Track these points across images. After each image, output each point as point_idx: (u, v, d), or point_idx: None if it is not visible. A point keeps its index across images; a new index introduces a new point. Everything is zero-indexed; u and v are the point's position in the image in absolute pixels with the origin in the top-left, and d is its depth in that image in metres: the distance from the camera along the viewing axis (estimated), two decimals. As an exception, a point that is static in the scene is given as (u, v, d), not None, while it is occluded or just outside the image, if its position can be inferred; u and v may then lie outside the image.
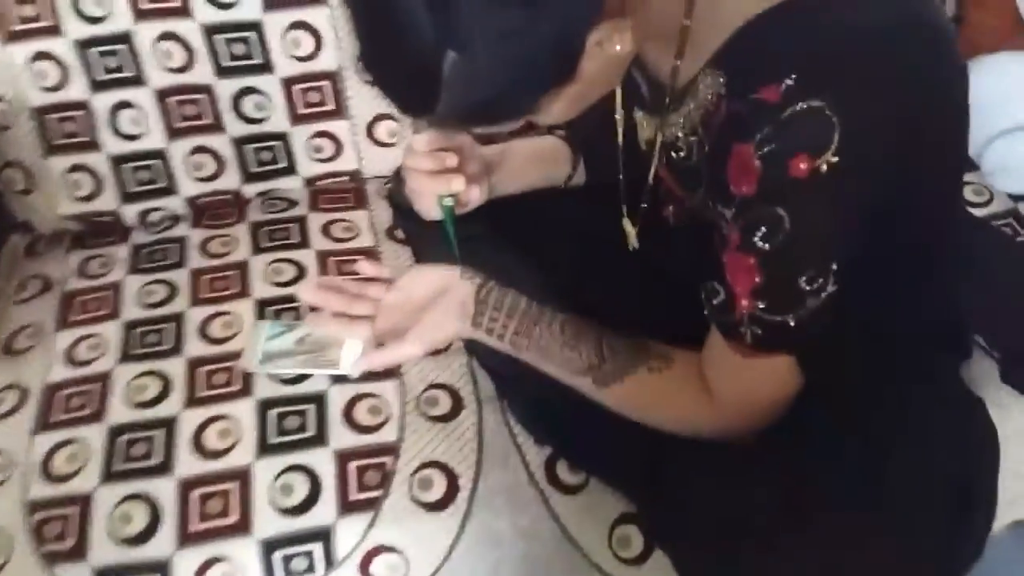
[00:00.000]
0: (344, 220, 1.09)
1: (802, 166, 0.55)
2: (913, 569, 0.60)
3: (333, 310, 0.74)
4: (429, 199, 0.78)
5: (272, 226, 1.08)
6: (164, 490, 0.79)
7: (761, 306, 0.61)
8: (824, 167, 0.54)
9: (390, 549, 0.78)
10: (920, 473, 0.61)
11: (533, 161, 0.89)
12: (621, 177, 0.80)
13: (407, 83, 0.54)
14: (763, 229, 0.58)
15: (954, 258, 0.73)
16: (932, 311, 0.72)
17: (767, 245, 0.58)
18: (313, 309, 0.77)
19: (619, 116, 0.77)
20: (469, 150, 0.80)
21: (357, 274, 0.77)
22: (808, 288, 0.59)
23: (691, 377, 0.69)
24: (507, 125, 0.61)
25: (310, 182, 1.14)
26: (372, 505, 0.80)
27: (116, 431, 0.84)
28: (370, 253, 1.04)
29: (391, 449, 0.83)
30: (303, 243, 1.05)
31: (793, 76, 0.54)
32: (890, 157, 0.56)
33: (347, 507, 0.79)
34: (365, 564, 0.78)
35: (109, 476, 0.80)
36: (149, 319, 0.96)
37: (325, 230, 1.07)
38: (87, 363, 0.91)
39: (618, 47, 0.56)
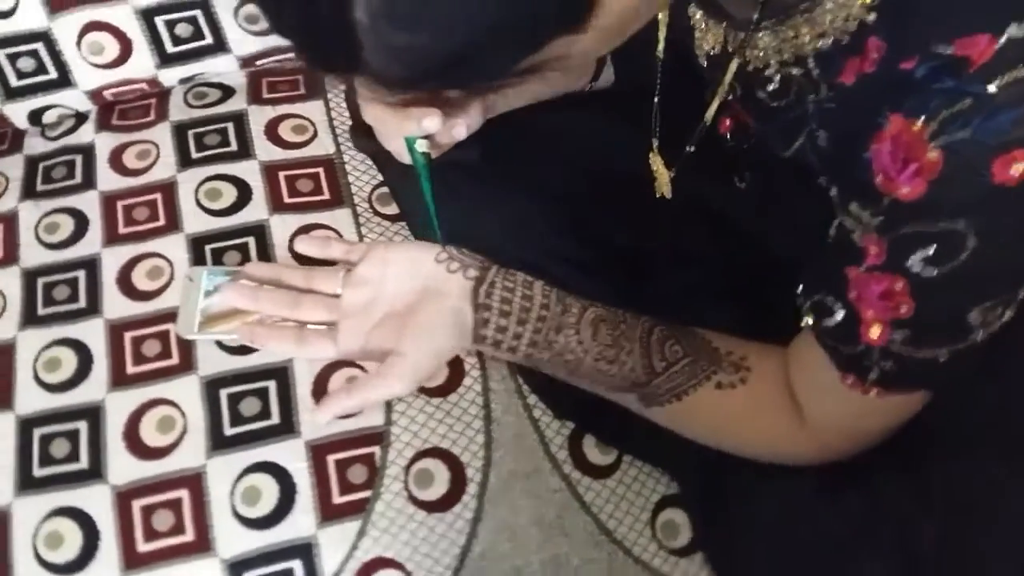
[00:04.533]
0: (294, 116, 0.85)
1: (1015, 168, 0.35)
2: None
3: (272, 318, 0.54)
4: (397, 140, 0.56)
5: (201, 127, 0.84)
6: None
7: (902, 339, 0.42)
8: None
9: (388, 563, 0.63)
10: None
11: None
12: (656, 99, 0.56)
13: (314, 31, 0.33)
14: (931, 249, 0.39)
15: None
16: None
17: (933, 271, 0.39)
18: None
19: (662, 16, 0.51)
20: None
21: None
22: (978, 321, 0.41)
23: (775, 393, 0.52)
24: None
25: (247, 62, 0.89)
26: (360, 509, 0.64)
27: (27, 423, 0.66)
28: (328, 165, 0.81)
29: (378, 436, 0.67)
30: (243, 151, 0.82)
31: (1019, 26, 0.33)
32: None
33: (329, 513, 0.64)
34: (359, 584, 0.63)
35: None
36: (54, 265, 0.75)
37: (271, 131, 0.84)
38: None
39: None
